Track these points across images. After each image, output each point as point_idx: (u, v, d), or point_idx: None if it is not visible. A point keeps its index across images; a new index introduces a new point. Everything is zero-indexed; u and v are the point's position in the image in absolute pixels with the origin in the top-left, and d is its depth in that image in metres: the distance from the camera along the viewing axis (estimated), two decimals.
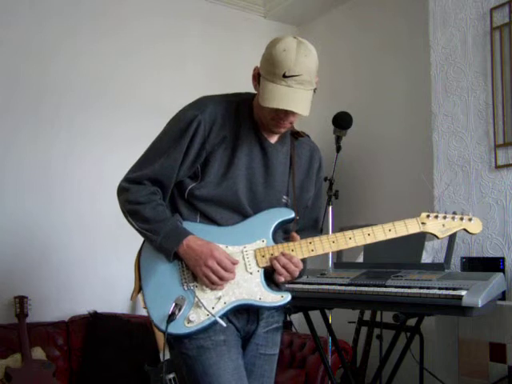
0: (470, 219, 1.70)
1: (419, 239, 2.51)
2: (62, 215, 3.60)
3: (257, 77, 1.65)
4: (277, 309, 1.73)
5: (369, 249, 2.68)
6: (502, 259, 2.71)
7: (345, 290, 2.27)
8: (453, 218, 1.69)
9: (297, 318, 4.05)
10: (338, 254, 2.79)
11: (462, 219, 1.70)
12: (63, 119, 3.67)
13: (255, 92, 1.73)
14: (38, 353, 3.08)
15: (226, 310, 1.62)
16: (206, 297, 1.62)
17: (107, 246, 3.69)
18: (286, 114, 1.61)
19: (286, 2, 4.51)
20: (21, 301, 3.18)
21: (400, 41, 3.93)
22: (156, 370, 3.17)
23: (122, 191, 1.68)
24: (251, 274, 1.64)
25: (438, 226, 1.68)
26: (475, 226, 1.71)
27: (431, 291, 2.04)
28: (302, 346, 3.40)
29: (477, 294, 1.95)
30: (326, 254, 3.49)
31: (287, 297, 1.64)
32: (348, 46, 4.37)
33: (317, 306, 2.57)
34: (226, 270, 1.60)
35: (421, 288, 2.09)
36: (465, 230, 1.71)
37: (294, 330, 4.01)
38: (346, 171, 4.02)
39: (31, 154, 3.55)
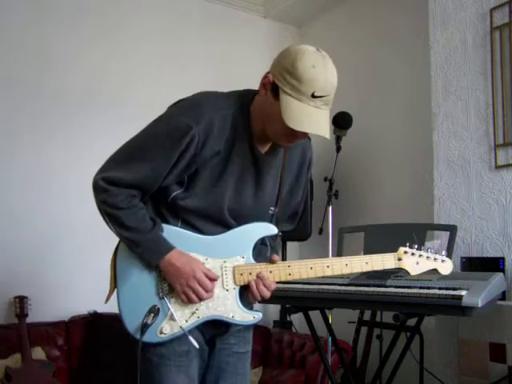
0: (442, 260, 1.74)
1: (419, 239, 2.50)
2: (62, 215, 3.60)
3: (270, 86, 1.52)
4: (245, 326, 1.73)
5: (369, 249, 2.67)
6: (502, 259, 2.71)
7: (345, 290, 2.27)
8: (427, 258, 1.73)
9: (297, 318, 4.05)
10: (338, 254, 2.79)
11: (435, 260, 1.74)
12: (61, 119, 3.67)
13: (254, 90, 1.64)
14: (38, 353, 3.08)
15: (198, 323, 1.63)
16: (181, 309, 1.62)
17: (107, 245, 3.67)
18: (305, 134, 1.54)
19: (286, 2, 4.51)
20: (21, 301, 3.18)
21: (400, 41, 3.93)
22: None
23: (99, 190, 1.58)
24: (227, 291, 1.63)
25: (413, 264, 1.72)
26: (446, 268, 1.75)
27: (431, 291, 2.04)
28: (302, 346, 3.39)
29: (477, 294, 1.95)
30: (326, 254, 3.50)
31: (258, 317, 1.66)
32: (348, 46, 4.37)
33: (317, 306, 2.57)
34: (206, 290, 1.59)
35: (421, 288, 2.09)
36: (435, 270, 1.75)
37: (294, 329, 4.01)
38: (346, 171, 4.02)
39: (31, 153, 3.55)
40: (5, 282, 3.34)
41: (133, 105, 3.88)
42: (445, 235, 2.76)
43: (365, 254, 2.70)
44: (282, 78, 1.49)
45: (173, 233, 1.62)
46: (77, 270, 3.59)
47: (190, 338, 1.60)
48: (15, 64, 3.55)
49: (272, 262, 1.64)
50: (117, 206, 1.57)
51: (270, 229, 1.67)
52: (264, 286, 1.62)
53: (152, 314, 1.59)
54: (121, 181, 1.56)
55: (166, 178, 1.58)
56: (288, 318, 3.97)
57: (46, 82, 3.64)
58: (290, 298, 2.43)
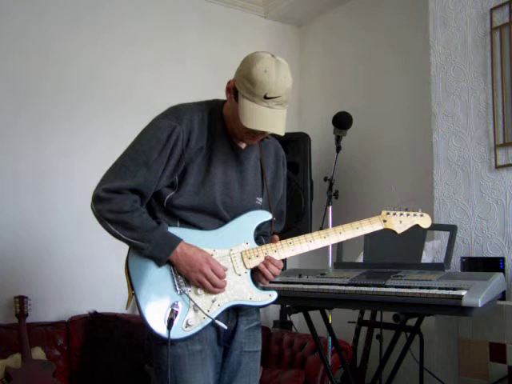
0: (421, 215, 1.90)
1: (419, 239, 2.51)
2: (62, 214, 3.60)
3: (232, 91, 1.71)
4: (265, 306, 1.82)
5: (369, 249, 2.68)
6: (502, 259, 2.71)
7: (345, 289, 2.27)
8: (407, 215, 1.89)
9: (297, 318, 4.05)
10: (338, 254, 2.79)
11: (415, 215, 1.89)
12: (62, 116, 3.68)
13: (222, 99, 1.81)
14: (38, 353, 3.08)
15: (220, 311, 1.71)
16: (202, 300, 1.69)
17: (107, 245, 3.68)
18: (263, 132, 1.69)
19: (286, 2, 4.51)
20: (21, 301, 3.18)
21: (400, 41, 3.93)
22: None
23: (101, 200, 1.68)
24: (240, 275, 1.74)
25: (397, 222, 1.88)
26: (426, 221, 1.91)
27: (431, 291, 2.04)
28: (302, 346, 3.39)
29: (477, 294, 1.95)
30: (326, 254, 3.50)
31: (274, 295, 1.76)
32: (348, 46, 4.37)
33: (317, 306, 2.57)
34: (219, 277, 1.69)
35: (421, 288, 2.09)
36: (417, 225, 1.90)
37: (294, 329, 4.01)
38: (345, 171, 4.02)
39: (30, 153, 3.55)
40: (5, 281, 3.34)
41: (132, 103, 3.88)
42: (445, 235, 2.76)
43: (365, 253, 2.72)
44: (240, 83, 1.67)
45: (177, 232, 1.72)
46: (77, 270, 3.59)
47: (218, 321, 1.68)
48: (15, 63, 3.55)
49: (273, 241, 1.80)
50: (122, 210, 1.67)
51: (265, 214, 1.84)
52: (273, 265, 1.75)
53: (175, 310, 1.65)
54: (122, 188, 1.68)
55: (160, 179, 1.71)
56: (288, 318, 3.97)
57: (45, 81, 3.64)
58: (290, 298, 2.43)
